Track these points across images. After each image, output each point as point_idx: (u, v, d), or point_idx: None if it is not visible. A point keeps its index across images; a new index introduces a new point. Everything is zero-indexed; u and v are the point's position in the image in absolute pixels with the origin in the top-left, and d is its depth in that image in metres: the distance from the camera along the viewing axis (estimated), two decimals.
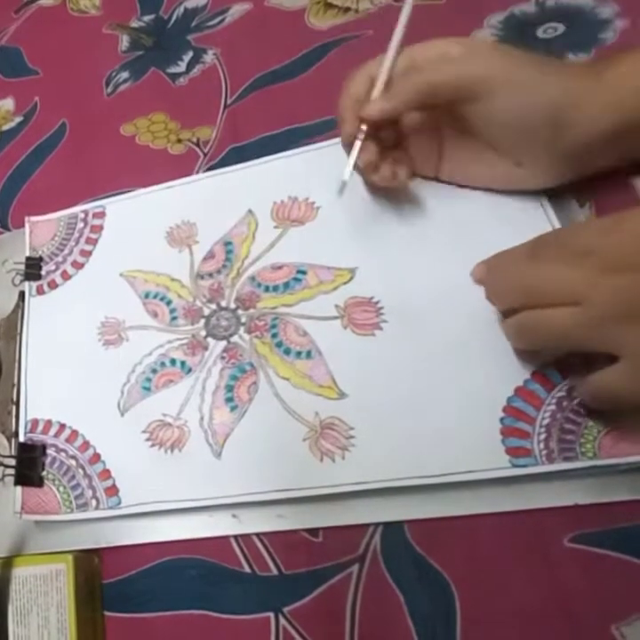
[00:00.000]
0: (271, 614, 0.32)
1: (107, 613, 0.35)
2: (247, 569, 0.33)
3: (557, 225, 0.34)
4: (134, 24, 0.58)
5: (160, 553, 0.35)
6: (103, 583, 0.35)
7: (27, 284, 0.44)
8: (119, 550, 0.36)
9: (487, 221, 0.35)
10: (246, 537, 0.34)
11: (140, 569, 0.35)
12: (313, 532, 0.33)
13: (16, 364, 0.42)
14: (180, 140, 0.48)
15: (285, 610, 0.32)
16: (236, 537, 0.34)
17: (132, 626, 0.34)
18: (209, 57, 0.52)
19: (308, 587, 0.32)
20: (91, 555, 0.36)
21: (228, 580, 0.33)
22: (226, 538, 0.34)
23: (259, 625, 0.32)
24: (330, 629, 0.31)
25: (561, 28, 0.42)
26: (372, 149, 0.34)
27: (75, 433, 0.38)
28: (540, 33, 0.42)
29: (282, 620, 0.32)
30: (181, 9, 0.56)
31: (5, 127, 0.56)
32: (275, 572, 0.33)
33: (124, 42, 0.57)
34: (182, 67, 0.53)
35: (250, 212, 0.41)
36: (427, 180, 0.38)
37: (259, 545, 0.34)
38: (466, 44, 0.33)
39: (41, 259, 0.45)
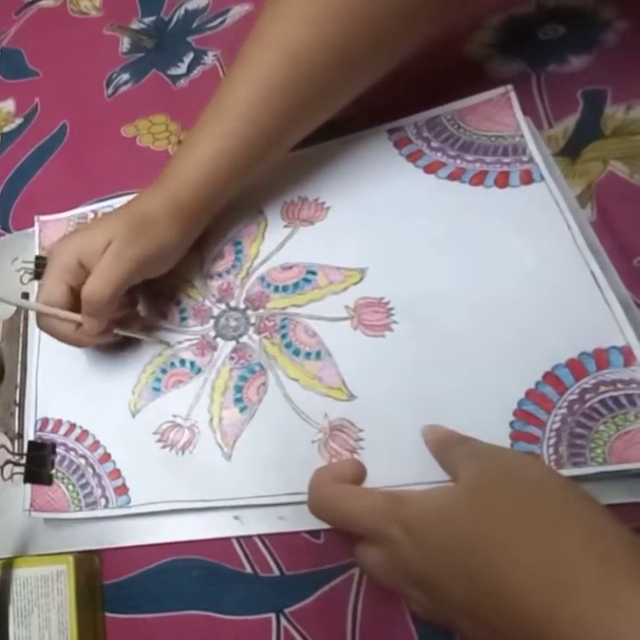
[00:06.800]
0: (272, 615, 0.32)
1: (107, 614, 0.35)
2: (249, 570, 0.33)
3: (572, 222, 0.33)
4: (135, 26, 0.58)
5: (161, 554, 0.35)
6: (103, 584, 0.35)
7: (36, 283, 0.44)
8: (119, 551, 0.36)
9: (497, 220, 0.35)
10: (248, 538, 0.34)
11: (140, 570, 0.35)
12: (314, 533, 0.33)
13: (18, 366, 0.42)
14: (180, 142, 0.48)
15: (287, 611, 0.32)
16: (237, 538, 0.34)
17: (132, 627, 0.34)
18: (209, 58, 0.52)
19: (310, 588, 0.32)
20: (91, 556, 0.36)
21: (229, 581, 0.33)
22: (227, 539, 0.34)
23: (260, 626, 0.32)
24: (331, 631, 0.31)
25: (561, 29, 0.42)
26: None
27: (85, 432, 0.38)
28: (540, 34, 0.42)
29: (283, 621, 0.32)
30: (182, 10, 0.56)
31: (6, 129, 0.56)
32: (276, 573, 0.33)
33: (125, 43, 0.57)
34: (183, 68, 0.53)
35: (260, 211, 0.41)
36: (437, 180, 0.37)
37: (260, 546, 0.34)
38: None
39: None
